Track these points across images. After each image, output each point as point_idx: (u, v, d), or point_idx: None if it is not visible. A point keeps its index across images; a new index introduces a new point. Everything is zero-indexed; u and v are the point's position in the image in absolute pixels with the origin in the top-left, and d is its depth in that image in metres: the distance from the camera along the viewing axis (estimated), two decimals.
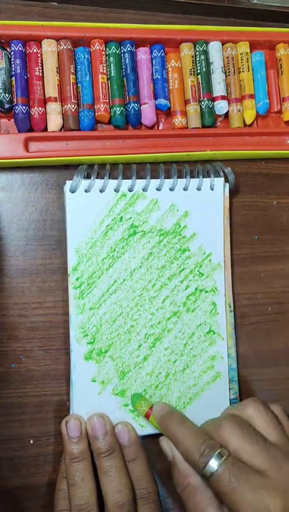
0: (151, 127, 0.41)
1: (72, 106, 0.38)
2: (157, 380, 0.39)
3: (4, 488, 0.37)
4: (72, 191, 0.38)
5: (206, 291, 0.40)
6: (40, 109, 0.38)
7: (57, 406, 0.39)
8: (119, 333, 0.39)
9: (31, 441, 0.38)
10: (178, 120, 0.41)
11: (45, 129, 0.38)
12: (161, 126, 0.42)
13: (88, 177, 0.38)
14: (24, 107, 0.37)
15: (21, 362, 0.38)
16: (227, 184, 0.41)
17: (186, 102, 0.41)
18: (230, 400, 0.40)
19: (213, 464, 0.30)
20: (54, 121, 0.38)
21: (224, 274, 0.41)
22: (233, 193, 0.43)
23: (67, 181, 0.38)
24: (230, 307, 0.41)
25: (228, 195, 0.41)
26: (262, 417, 0.33)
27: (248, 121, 0.43)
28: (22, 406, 0.38)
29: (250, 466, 0.30)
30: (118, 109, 0.39)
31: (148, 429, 0.38)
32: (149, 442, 0.38)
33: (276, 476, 0.30)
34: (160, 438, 0.35)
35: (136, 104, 0.40)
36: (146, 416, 0.37)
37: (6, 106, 0.37)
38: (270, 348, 0.44)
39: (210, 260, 0.41)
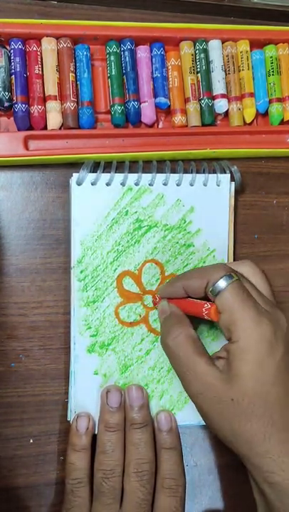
0: (151, 126, 0.41)
1: (72, 104, 0.38)
2: (159, 375, 0.39)
3: (4, 487, 0.37)
4: (79, 184, 0.38)
5: None
6: (39, 107, 0.38)
7: (57, 405, 0.39)
8: (122, 326, 0.39)
9: (31, 441, 0.38)
10: (178, 118, 0.41)
11: (45, 128, 0.38)
12: (161, 125, 0.42)
13: (94, 172, 0.38)
14: (24, 105, 0.37)
15: (21, 361, 0.38)
16: (233, 183, 0.41)
17: (186, 101, 0.41)
18: None
19: (222, 283, 0.31)
20: (54, 120, 0.38)
21: None
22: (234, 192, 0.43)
23: (74, 173, 0.38)
24: None
25: (233, 193, 0.41)
26: (257, 274, 0.35)
27: (248, 120, 0.43)
28: (22, 405, 0.38)
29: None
30: (118, 107, 0.39)
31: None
32: None
33: (273, 315, 0.32)
34: (159, 304, 0.37)
35: (136, 103, 0.40)
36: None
37: (6, 104, 0.37)
38: None
39: (214, 256, 0.41)
